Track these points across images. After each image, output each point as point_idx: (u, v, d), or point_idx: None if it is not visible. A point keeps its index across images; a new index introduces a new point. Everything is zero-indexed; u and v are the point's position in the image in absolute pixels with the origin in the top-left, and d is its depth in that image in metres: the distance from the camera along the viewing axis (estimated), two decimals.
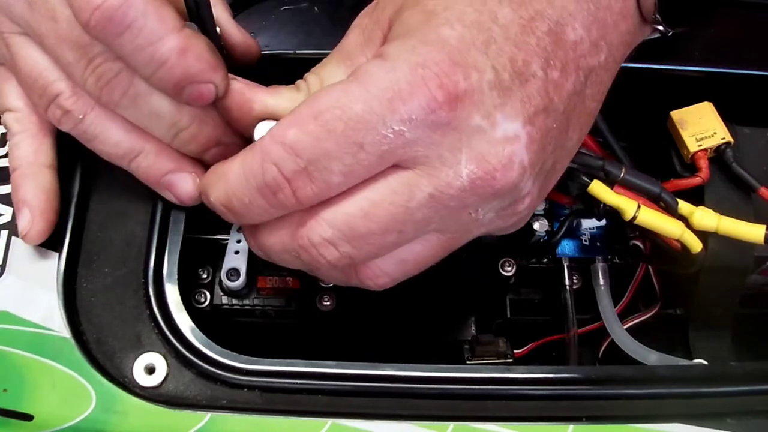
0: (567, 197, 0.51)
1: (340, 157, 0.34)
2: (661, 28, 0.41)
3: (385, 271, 0.39)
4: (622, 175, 0.46)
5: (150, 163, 0.41)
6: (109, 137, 0.41)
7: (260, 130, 0.39)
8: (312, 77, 0.40)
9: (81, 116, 0.40)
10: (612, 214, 0.48)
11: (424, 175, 0.35)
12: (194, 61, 0.37)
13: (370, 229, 0.36)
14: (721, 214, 0.46)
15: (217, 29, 0.40)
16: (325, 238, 0.36)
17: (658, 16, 0.40)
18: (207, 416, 0.41)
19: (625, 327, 0.50)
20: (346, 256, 0.37)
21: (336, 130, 0.33)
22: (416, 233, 0.37)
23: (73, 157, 0.46)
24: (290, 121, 0.35)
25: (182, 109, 0.39)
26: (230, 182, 0.37)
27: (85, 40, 0.37)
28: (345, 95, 0.34)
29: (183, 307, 0.43)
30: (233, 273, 0.47)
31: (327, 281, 0.48)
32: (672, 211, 0.46)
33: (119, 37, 0.35)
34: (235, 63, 0.44)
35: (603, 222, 0.52)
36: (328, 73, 0.39)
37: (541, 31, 0.35)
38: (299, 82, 0.40)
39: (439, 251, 0.39)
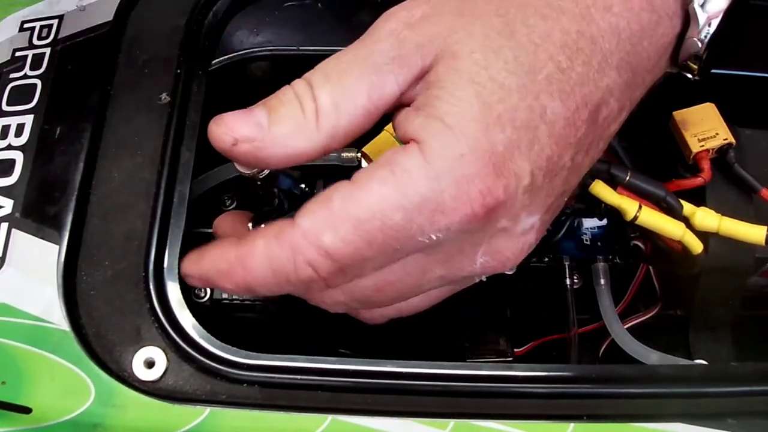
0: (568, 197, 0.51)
1: (375, 260, 0.34)
2: (689, 76, 0.41)
3: (383, 315, 0.42)
4: (627, 178, 0.46)
5: None
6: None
7: None
8: (324, 96, 0.34)
9: None
10: (613, 213, 0.48)
11: (441, 262, 0.36)
12: None
13: (381, 299, 0.37)
14: (723, 214, 0.46)
15: None
16: (338, 301, 0.38)
17: (693, 65, 0.39)
18: (206, 411, 0.40)
19: (625, 327, 0.50)
20: (353, 310, 0.40)
21: (376, 240, 0.33)
22: (421, 301, 0.40)
23: (74, 149, 0.46)
24: (326, 224, 0.33)
25: None
26: (254, 274, 0.35)
27: None
28: (384, 201, 0.33)
29: (183, 302, 0.43)
30: None
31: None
32: (676, 214, 0.46)
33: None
34: None
35: (604, 222, 0.52)
36: (348, 91, 0.34)
37: (581, 120, 0.34)
38: (296, 96, 0.35)
39: (436, 300, 0.42)
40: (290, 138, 0.34)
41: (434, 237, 0.33)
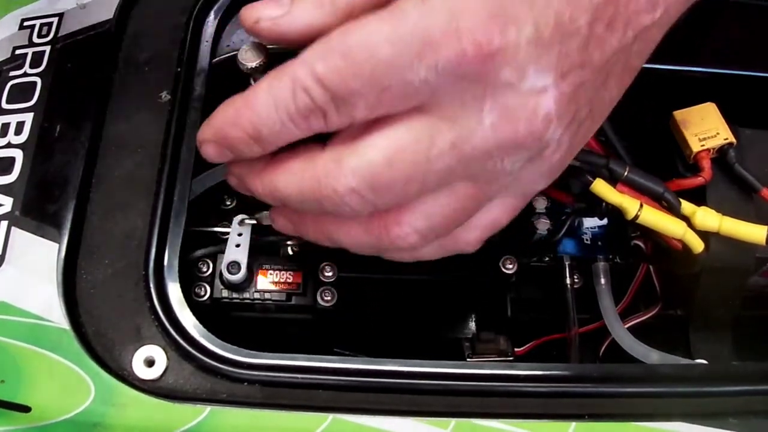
0: (569, 196, 0.51)
1: (365, 96, 0.33)
2: None
3: (413, 227, 0.38)
4: (625, 173, 0.46)
5: None
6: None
7: None
8: None
9: None
10: (614, 213, 0.48)
11: (446, 123, 0.34)
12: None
13: (393, 177, 0.35)
14: (723, 214, 0.46)
15: None
16: (350, 187, 0.35)
17: None
18: (206, 410, 0.40)
19: (626, 327, 0.50)
20: (370, 204, 0.36)
21: (363, 72, 0.33)
22: (440, 183, 0.36)
23: (74, 147, 0.45)
24: (319, 53, 0.34)
25: None
26: (258, 111, 0.35)
27: None
28: (375, 34, 0.33)
29: (183, 301, 0.43)
30: (234, 266, 0.47)
31: (357, 251, 0.43)
32: (675, 211, 0.47)
33: None
34: None
35: (604, 221, 0.52)
36: None
37: None
38: None
39: (467, 203, 0.38)
40: (308, 12, 0.36)
41: (423, 75, 0.33)
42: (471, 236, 0.41)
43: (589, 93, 0.36)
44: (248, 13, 0.37)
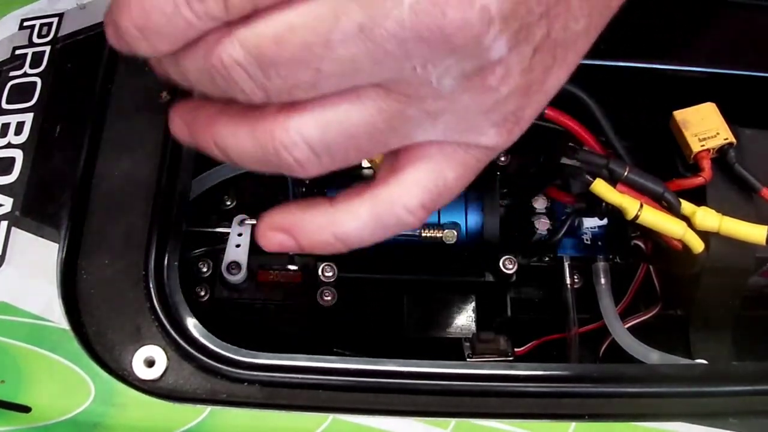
0: (569, 196, 0.51)
1: None
2: None
3: (302, 135, 0.31)
4: (625, 173, 0.46)
5: None
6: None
7: None
8: None
9: None
10: (613, 213, 0.48)
11: (358, 1, 0.27)
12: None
13: (281, 55, 0.29)
14: (723, 214, 0.46)
15: None
16: (235, 58, 0.29)
17: None
18: (207, 410, 0.40)
19: (626, 327, 0.50)
20: (258, 83, 0.30)
21: None
22: (341, 79, 0.29)
23: (73, 147, 0.45)
24: None
25: None
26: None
27: None
28: None
29: (183, 300, 0.43)
30: (234, 267, 0.47)
31: (243, 164, 0.34)
32: (675, 211, 0.47)
33: None
34: None
35: (604, 221, 0.52)
36: None
37: None
38: None
39: (378, 119, 0.30)
40: None
41: None
42: (410, 198, 0.33)
43: (546, 1, 0.29)
44: None
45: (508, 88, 0.30)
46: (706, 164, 0.48)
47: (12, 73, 0.49)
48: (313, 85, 0.29)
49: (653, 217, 0.46)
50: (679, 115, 0.49)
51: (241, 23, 0.29)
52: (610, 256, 0.52)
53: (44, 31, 0.51)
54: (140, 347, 0.42)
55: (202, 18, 0.29)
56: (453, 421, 0.40)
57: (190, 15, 0.29)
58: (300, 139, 0.31)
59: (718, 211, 0.46)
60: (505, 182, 0.53)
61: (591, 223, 0.52)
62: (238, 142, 0.33)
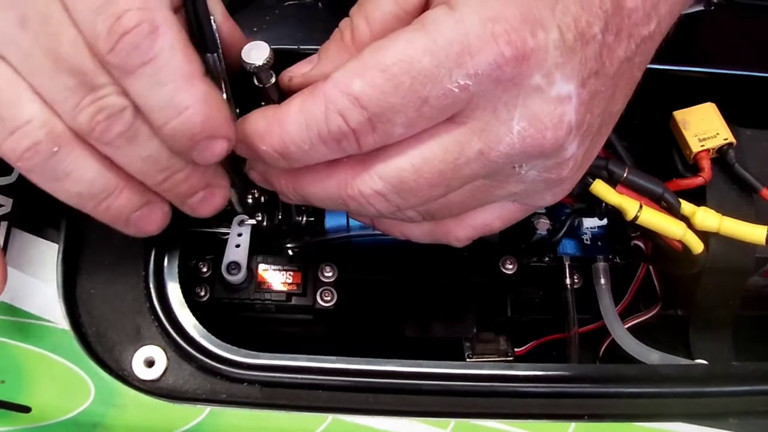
0: (569, 196, 0.51)
1: (404, 110, 0.33)
2: None
3: (459, 230, 0.41)
4: (625, 174, 0.46)
5: (123, 202, 0.37)
6: (83, 175, 0.35)
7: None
8: (358, 19, 0.37)
9: (55, 149, 0.34)
10: (613, 213, 0.48)
11: (476, 131, 0.35)
12: (215, 112, 0.34)
13: (420, 183, 0.36)
14: (723, 214, 0.46)
15: (212, 18, 0.36)
16: (376, 190, 0.36)
17: None
18: (206, 410, 0.40)
19: (626, 327, 0.50)
20: (395, 206, 0.37)
21: (403, 85, 0.33)
22: (463, 185, 0.37)
23: None
24: (355, 72, 0.33)
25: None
26: (288, 129, 0.35)
27: (90, 67, 0.33)
28: (411, 47, 0.33)
29: (183, 301, 0.43)
30: (234, 267, 0.47)
31: (360, 221, 0.46)
32: (674, 212, 0.46)
33: (139, 69, 0.32)
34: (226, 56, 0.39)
35: (604, 221, 0.52)
36: (374, 3, 0.37)
37: None
38: (339, 30, 0.38)
39: (473, 198, 0.39)
40: (333, 60, 0.37)
41: (462, 83, 0.33)
42: (462, 233, 0.42)
43: (602, 104, 0.37)
44: (283, 74, 0.38)
45: (572, 170, 0.38)
46: (706, 164, 0.48)
47: None
48: (442, 195, 0.37)
49: (653, 218, 0.46)
50: (679, 115, 0.49)
51: (377, 159, 0.36)
52: (610, 257, 0.52)
53: None
54: (140, 347, 0.42)
55: (336, 154, 0.35)
56: (452, 422, 0.40)
57: (325, 152, 0.35)
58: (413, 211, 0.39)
59: (717, 212, 0.46)
60: None
61: (591, 223, 0.52)
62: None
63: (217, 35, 0.37)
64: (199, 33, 0.35)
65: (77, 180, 0.35)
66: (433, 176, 0.36)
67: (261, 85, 0.38)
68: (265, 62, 0.37)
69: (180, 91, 0.33)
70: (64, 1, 0.32)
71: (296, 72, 0.38)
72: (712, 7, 0.41)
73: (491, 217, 0.41)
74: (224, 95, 0.37)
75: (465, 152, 0.35)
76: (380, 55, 0.33)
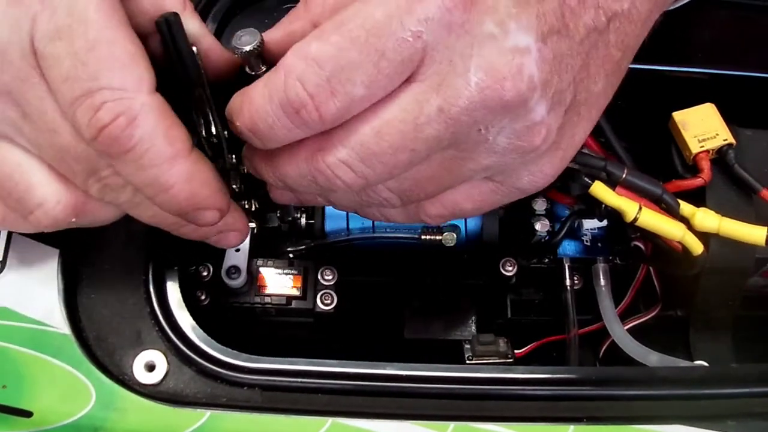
0: (569, 197, 0.51)
1: (362, 66, 0.33)
2: None
3: (387, 187, 0.39)
4: (624, 176, 0.46)
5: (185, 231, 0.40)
6: (102, 217, 0.39)
7: None
8: None
9: (73, 219, 0.38)
10: (613, 214, 0.48)
11: (433, 87, 0.34)
12: (200, 188, 0.36)
13: (382, 147, 0.35)
14: (723, 215, 0.46)
15: (194, 48, 0.37)
16: (340, 159, 0.36)
17: None
18: (207, 414, 0.40)
19: (626, 328, 0.50)
20: (362, 177, 0.36)
21: (359, 39, 0.33)
22: (429, 152, 0.36)
23: None
24: (313, 35, 0.34)
25: None
26: (255, 103, 0.35)
27: (88, 154, 0.35)
28: (365, 3, 0.33)
29: (183, 305, 0.43)
30: (234, 271, 0.47)
31: (343, 209, 0.45)
32: (673, 213, 0.46)
33: (122, 156, 0.34)
34: (213, 77, 0.40)
35: (604, 223, 0.52)
36: None
37: None
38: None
39: (443, 171, 0.38)
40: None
41: (415, 29, 0.33)
42: (433, 209, 0.41)
43: (572, 71, 0.36)
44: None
45: (547, 145, 0.37)
46: (706, 165, 0.48)
47: None
48: (409, 163, 0.36)
49: (652, 219, 0.46)
50: (679, 116, 0.49)
51: (339, 128, 0.35)
52: (610, 258, 0.52)
53: None
54: (141, 352, 0.42)
55: (300, 127, 0.35)
56: (451, 425, 0.40)
57: (288, 125, 0.35)
58: (384, 190, 0.38)
59: (717, 212, 0.46)
60: None
61: (591, 224, 0.52)
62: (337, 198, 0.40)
63: (201, 68, 0.37)
64: (183, 72, 0.36)
65: (96, 221, 0.39)
66: (394, 138, 0.35)
67: (252, 73, 0.38)
68: (254, 48, 0.37)
69: (163, 173, 0.35)
70: (54, 92, 0.34)
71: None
72: None
73: (462, 197, 0.40)
74: (214, 131, 0.38)
75: (424, 110, 0.34)
76: (336, 17, 0.33)
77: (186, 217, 0.37)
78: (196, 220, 0.37)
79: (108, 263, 0.44)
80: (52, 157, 0.36)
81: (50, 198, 0.37)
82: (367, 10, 0.33)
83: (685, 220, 0.47)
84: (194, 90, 0.37)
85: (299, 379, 0.42)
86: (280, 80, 0.34)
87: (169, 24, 0.36)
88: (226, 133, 0.38)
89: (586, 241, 0.52)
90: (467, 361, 0.50)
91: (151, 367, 0.42)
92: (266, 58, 0.38)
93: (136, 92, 0.34)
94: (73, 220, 0.38)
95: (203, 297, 0.48)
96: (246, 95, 0.36)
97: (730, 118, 0.49)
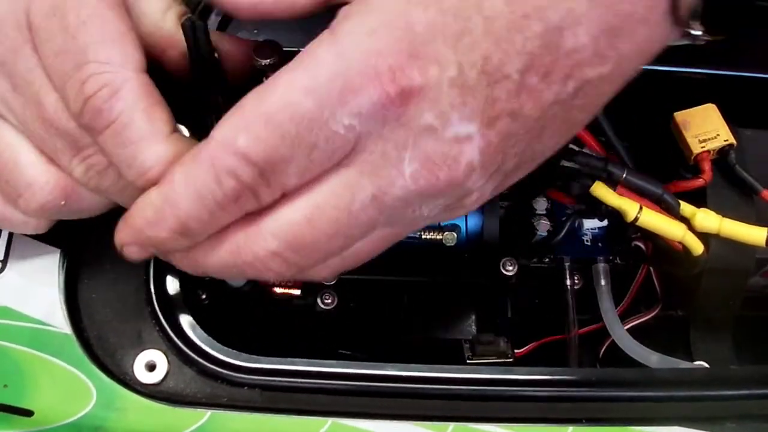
0: (569, 197, 0.51)
1: (295, 160, 0.31)
2: (698, 33, 0.35)
3: (328, 268, 0.37)
4: (624, 176, 0.46)
5: None
6: (91, 203, 0.38)
7: None
8: None
9: (62, 202, 0.37)
10: (614, 214, 0.48)
11: (366, 174, 0.32)
12: None
13: (316, 237, 0.33)
14: (723, 216, 0.46)
15: (216, 54, 0.37)
16: (271, 250, 0.34)
17: (696, 20, 0.35)
18: (207, 414, 0.41)
19: (626, 328, 0.50)
20: (294, 265, 0.34)
21: (290, 133, 0.31)
22: (363, 234, 0.35)
23: None
24: (237, 126, 0.32)
25: None
26: (181, 207, 0.33)
27: (74, 129, 0.35)
28: (293, 89, 0.31)
29: (184, 305, 0.43)
30: None
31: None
32: (674, 213, 0.47)
33: (104, 131, 0.33)
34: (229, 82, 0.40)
35: (605, 222, 0.52)
36: None
37: (532, 31, 0.31)
38: None
39: (381, 246, 0.37)
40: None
41: (347, 123, 0.31)
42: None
43: (521, 145, 0.34)
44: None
45: (479, 201, 0.36)
46: (707, 166, 0.48)
47: None
48: (343, 249, 0.35)
49: (653, 220, 0.46)
50: (680, 116, 0.49)
51: (266, 217, 0.33)
52: (611, 258, 0.52)
53: None
54: (141, 351, 0.42)
55: (239, 213, 0.33)
56: (451, 425, 0.40)
57: (225, 217, 0.33)
58: (326, 270, 0.37)
59: (718, 213, 0.46)
60: None
61: (591, 224, 0.52)
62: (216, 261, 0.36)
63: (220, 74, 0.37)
64: (201, 75, 0.37)
65: (84, 210, 0.39)
66: (328, 226, 0.33)
67: None
68: (273, 61, 0.38)
69: (141, 152, 0.34)
70: (45, 67, 0.34)
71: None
72: (696, 42, 0.36)
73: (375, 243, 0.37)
74: None
75: (357, 197, 0.32)
76: (262, 104, 0.31)
77: None
78: None
79: (109, 263, 0.44)
80: (37, 133, 0.36)
81: (39, 178, 0.36)
82: (295, 99, 0.31)
83: (686, 221, 0.47)
84: (210, 94, 0.37)
85: (299, 379, 0.42)
86: (210, 176, 0.32)
87: (194, 27, 0.36)
88: None
89: (587, 241, 0.52)
90: (467, 361, 0.50)
91: (151, 367, 0.42)
92: None
93: (121, 67, 0.33)
94: (63, 203, 0.37)
95: (204, 296, 0.48)
96: (163, 201, 0.33)
97: (731, 118, 0.49)
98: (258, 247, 0.34)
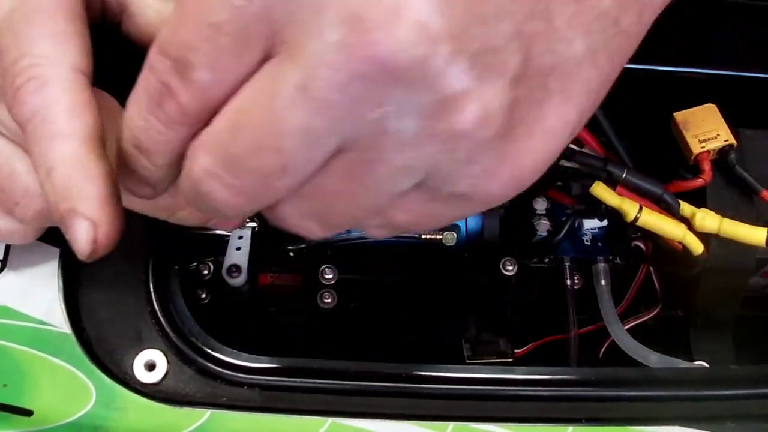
0: (569, 197, 0.52)
1: (198, 45, 0.26)
2: None
3: (295, 212, 0.29)
4: (624, 175, 0.46)
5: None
6: None
7: None
8: None
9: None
10: (614, 214, 0.48)
11: (287, 57, 0.25)
12: (81, 183, 0.31)
13: (243, 147, 0.26)
14: (723, 216, 0.46)
15: None
16: (204, 168, 0.27)
17: None
18: (207, 413, 0.40)
19: (626, 328, 0.50)
20: (235, 192, 0.27)
21: (188, 13, 0.26)
22: (311, 155, 0.26)
23: None
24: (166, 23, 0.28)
25: None
26: (128, 113, 0.29)
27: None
28: None
29: (184, 304, 0.43)
30: (234, 269, 0.47)
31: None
32: (674, 213, 0.47)
33: (27, 125, 0.32)
34: None
35: (605, 222, 0.52)
36: None
37: None
38: None
39: (351, 180, 0.27)
40: None
41: None
42: (378, 231, 0.31)
43: (513, 16, 0.24)
44: None
45: (489, 130, 0.25)
46: (707, 166, 0.48)
47: None
48: (284, 170, 0.26)
49: (653, 220, 0.46)
50: (680, 116, 0.49)
51: (202, 132, 0.28)
52: (611, 257, 0.52)
53: None
54: (141, 351, 0.42)
55: (170, 125, 0.28)
56: (451, 425, 0.40)
57: (159, 126, 0.28)
58: (295, 214, 0.29)
59: (718, 213, 0.46)
60: None
61: (591, 224, 0.52)
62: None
63: None
64: None
65: None
66: (255, 132, 0.26)
67: None
68: None
69: (50, 150, 0.32)
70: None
71: None
72: None
73: (406, 210, 0.29)
74: None
75: (282, 89, 0.25)
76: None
77: (60, 220, 0.32)
78: (65, 226, 0.32)
79: (108, 262, 0.44)
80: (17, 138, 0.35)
81: (35, 185, 0.35)
82: None
83: (686, 221, 0.47)
84: None
85: (299, 379, 0.42)
86: (143, 78, 0.28)
87: None
88: None
89: (587, 241, 0.52)
90: (467, 361, 0.50)
91: (151, 367, 0.42)
92: None
93: (54, 64, 0.32)
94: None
95: (204, 296, 0.48)
96: (126, 126, 0.30)
97: (731, 118, 0.49)
98: (195, 165, 0.28)
